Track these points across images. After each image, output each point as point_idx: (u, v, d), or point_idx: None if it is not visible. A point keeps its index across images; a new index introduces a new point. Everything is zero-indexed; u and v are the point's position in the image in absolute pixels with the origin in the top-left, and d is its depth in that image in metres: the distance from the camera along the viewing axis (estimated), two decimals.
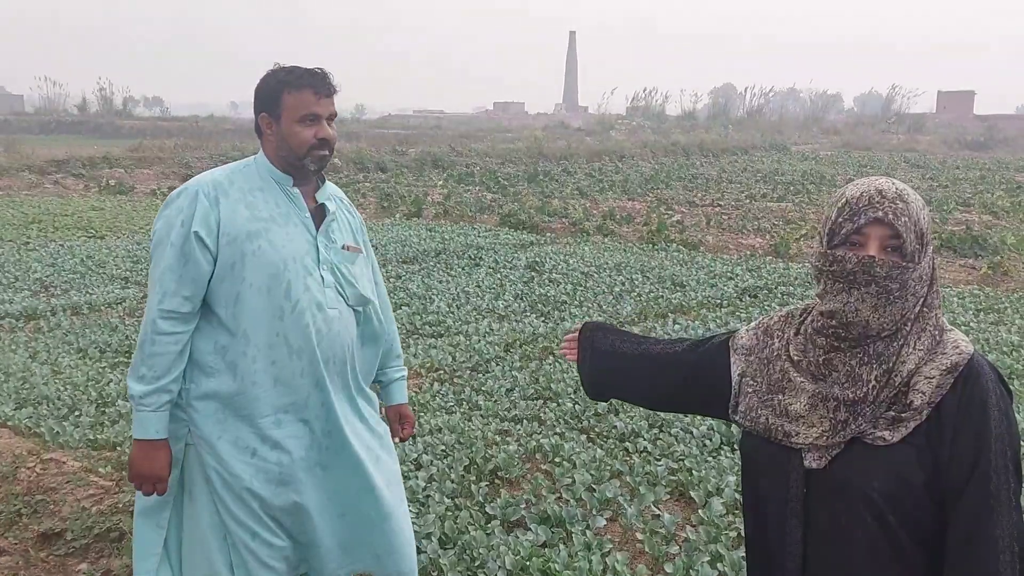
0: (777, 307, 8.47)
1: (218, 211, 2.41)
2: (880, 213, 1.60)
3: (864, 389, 1.61)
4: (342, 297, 2.57)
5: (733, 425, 2.36)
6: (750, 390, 1.79)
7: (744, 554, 1.94)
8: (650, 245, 12.40)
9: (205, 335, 2.46)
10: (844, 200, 1.65)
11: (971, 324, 7.82)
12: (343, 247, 2.60)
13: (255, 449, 2.47)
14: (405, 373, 2.97)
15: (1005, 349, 6.97)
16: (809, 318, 1.74)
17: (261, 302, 2.42)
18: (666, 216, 15.15)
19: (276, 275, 2.43)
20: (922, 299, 1.63)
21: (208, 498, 2.49)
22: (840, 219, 1.64)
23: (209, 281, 2.42)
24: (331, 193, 2.67)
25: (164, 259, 2.40)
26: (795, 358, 1.72)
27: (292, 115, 2.44)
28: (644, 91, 61.26)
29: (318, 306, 2.49)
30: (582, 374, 2.19)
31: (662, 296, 8.92)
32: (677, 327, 7.62)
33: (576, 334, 2.20)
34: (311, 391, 2.51)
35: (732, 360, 1.87)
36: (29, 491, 4.37)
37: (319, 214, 2.57)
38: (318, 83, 2.45)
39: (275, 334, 2.44)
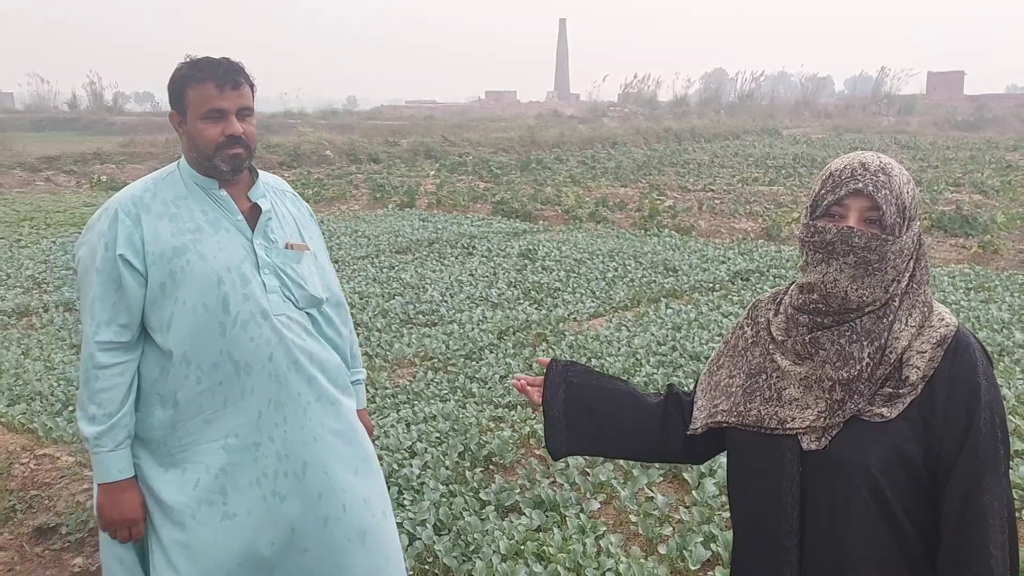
0: (769, 289, 8.47)
1: (141, 229, 2.24)
2: (860, 185, 1.60)
3: (857, 367, 1.60)
4: (290, 301, 2.36)
5: None
6: (734, 388, 1.79)
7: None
8: (643, 231, 12.40)
9: (144, 362, 2.28)
10: (828, 173, 1.66)
11: (962, 303, 7.84)
12: (286, 246, 2.39)
13: (198, 480, 2.26)
14: (363, 376, 2.72)
15: (996, 327, 7.00)
16: (787, 297, 1.74)
17: (198, 320, 2.23)
18: (658, 202, 15.14)
19: (210, 289, 2.24)
20: (908, 274, 1.64)
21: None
22: (823, 191, 1.65)
23: (144, 304, 2.25)
24: (271, 186, 2.48)
25: (93, 288, 2.23)
26: (778, 338, 1.72)
27: (196, 111, 2.26)
28: (636, 78, 61.14)
29: (263, 314, 2.28)
30: (549, 414, 1.99)
31: (655, 281, 8.94)
32: (670, 311, 7.64)
33: (541, 379, 2.03)
34: (264, 409, 2.29)
35: (698, 385, 1.92)
36: (23, 487, 4.38)
37: (254, 214, 2.37)
38: (220, 75, 2.24)
39: (218, 352, 2.25)
